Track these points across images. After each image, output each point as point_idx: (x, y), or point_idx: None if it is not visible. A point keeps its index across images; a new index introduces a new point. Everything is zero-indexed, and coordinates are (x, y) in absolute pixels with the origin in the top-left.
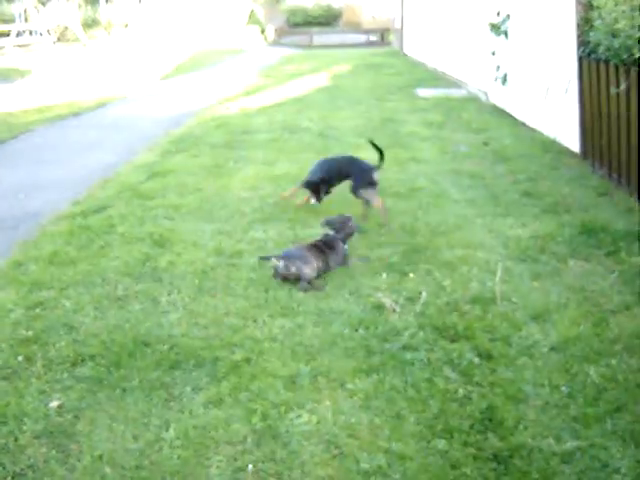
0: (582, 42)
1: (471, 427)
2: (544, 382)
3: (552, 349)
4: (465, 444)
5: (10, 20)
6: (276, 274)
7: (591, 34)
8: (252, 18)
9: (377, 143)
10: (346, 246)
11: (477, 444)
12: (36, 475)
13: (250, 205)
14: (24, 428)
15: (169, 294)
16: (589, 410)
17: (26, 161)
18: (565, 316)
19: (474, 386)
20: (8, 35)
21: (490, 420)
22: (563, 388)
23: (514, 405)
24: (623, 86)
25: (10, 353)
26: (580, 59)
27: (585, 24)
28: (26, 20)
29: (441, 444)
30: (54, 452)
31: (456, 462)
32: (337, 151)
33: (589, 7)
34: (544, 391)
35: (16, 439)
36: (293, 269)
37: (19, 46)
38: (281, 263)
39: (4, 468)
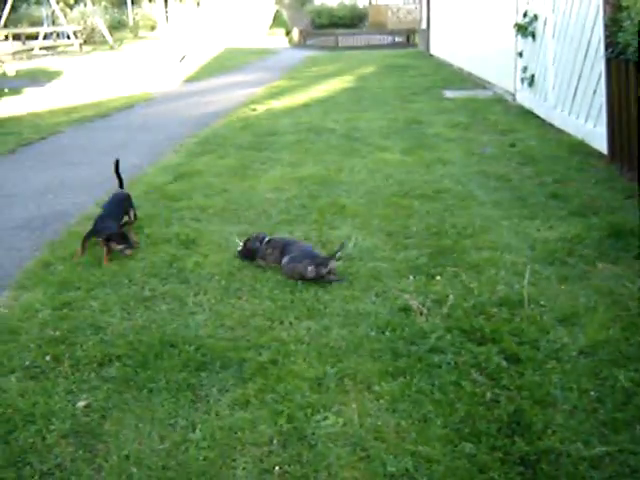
0: (610, 43)
1: (498, 431)
2: (572, 386)
3: (581, 353)
4: (492, 448)
5: (38, 23)
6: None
7: (620, 35)
8: (277, 20)
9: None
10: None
11: (504, 448)
12: (63, 474)
13: (276, 206)
14: (52, 427)
15: (196, 295)
16: (618, 415)
17: (54, 162)
18: (594, 319)
19: (502, 390)
20: (36, 37)
21: (518, 424)
22: (592, 392)
23: (542, 409)
24: None
25: (38, 353)
26: (608, 60)
27: (614, 25)
28: (53, 22)
29: (468, 448)
30: (81, 452)
31: (483, 466)
32: (364, 152)
33: (618, 8)
34: (572, 395)
35: (44, 438)
36: (324, 270)
37: (46, 48)
38: (311, 268)
39: (32, 467)
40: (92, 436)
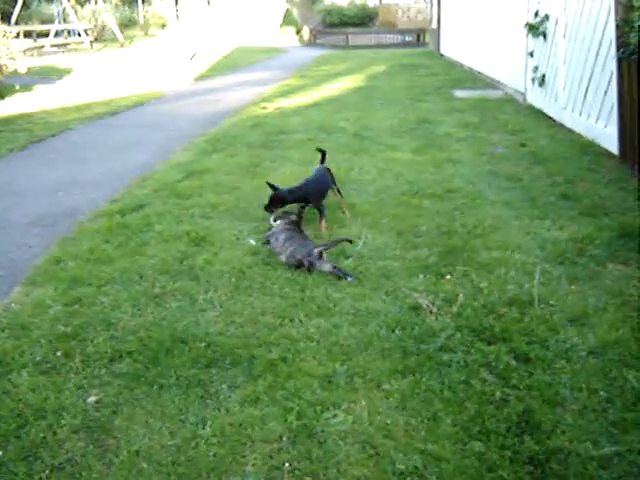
0: (622, 43)
1: (508, 430)
2: (582, 386)
3: (590, 353)
4: (501, 447)
5: (49, 20)
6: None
7: (632, 35)
8: (287, 18)
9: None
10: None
11: (513, 447)
12: (74, 469)
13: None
14: (62, 422)
15: (206, 292)
16: (627, 415)
17: (65, 159)
18: (603, 320)
19: (511, 389)
20: (47, 35)
21: (527, 423)
22: (601, 392)
23: (551, 409)
24: None
25: (49, 348)
26: (620, 60)
27: (625, 25)
28: (64, 20)
29: (477, 446)
30: (92, 447)
31: (492, 465)
32: (374, 151)
33: (629, 8)
34: (582, 395)
35: (55, 433)
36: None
37: (57, 46)
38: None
39: (43, 461)
40: (102, 431)
